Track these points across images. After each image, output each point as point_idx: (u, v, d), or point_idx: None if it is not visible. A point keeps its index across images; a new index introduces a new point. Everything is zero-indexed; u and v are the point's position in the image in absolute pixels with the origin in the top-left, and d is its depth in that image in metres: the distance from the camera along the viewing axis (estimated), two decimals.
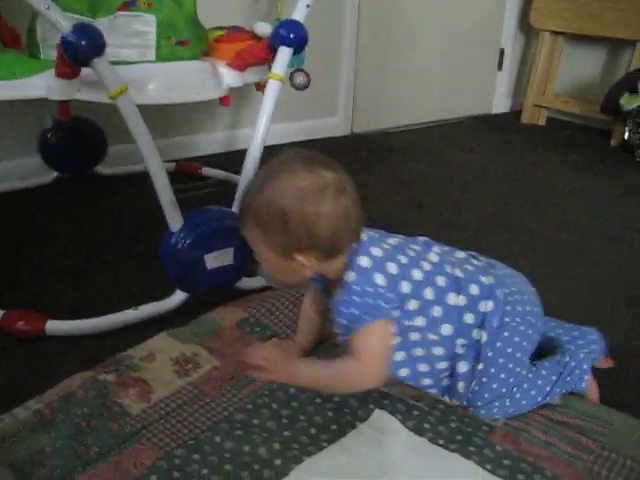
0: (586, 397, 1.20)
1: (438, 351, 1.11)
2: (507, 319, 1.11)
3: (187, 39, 1.55)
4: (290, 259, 1.02)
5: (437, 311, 1.08)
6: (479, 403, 1.13)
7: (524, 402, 1.14)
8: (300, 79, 1.60)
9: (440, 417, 1.14)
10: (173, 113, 2.35)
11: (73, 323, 1.33)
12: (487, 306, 1.10)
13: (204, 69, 1.52)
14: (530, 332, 1.14)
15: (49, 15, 1.18)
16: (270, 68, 1.59)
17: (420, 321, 1.08)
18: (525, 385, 1.13)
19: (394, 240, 1.12)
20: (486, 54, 3.53)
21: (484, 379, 1.11)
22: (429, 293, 1.07)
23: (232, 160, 2.41)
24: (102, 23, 1.47)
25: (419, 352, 1.11)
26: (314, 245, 1.01)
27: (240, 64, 1.58)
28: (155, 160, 1.27)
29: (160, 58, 1.50)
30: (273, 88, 1.41)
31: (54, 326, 1.31)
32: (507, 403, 1.12)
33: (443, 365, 1.12)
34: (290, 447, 1.05)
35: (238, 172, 2.18)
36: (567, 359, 1.19)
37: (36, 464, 1.00)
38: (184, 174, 2.25)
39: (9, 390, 1.17)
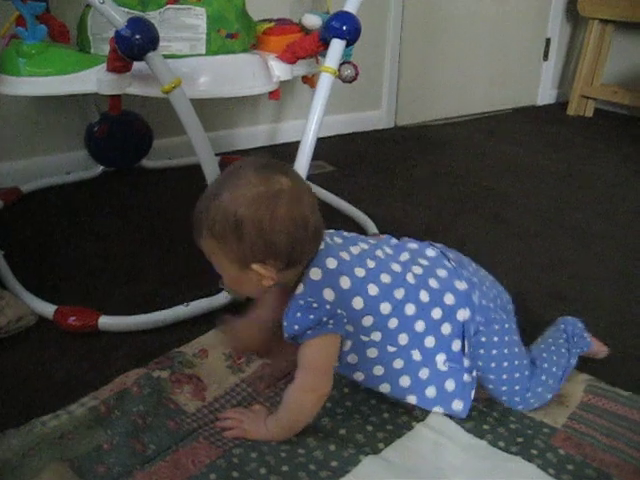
0: (595, 355, 1.24)
1: (400, 363, 1.07)
2: (481, 321, 1.08)
3: (237, 32, 1.53)
4: (248, 270, 0.98)
5: (393, 323, 1.04)
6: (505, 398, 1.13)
7: (548, 395, 1.14)
8: (348, 72, 1.58)
9: (499, 418, 1.11)
10: (215, 106, 2.34)
11: (125, 319, 1.33)
12: (465, 315, 1.07)
13: (255, 62, 1.50)
14: (506, 326, 1.11)
15: (104, 10, 1.18)
16: (318, 61, 1.57)
17: (377, 336, 1.04)
18: (543, 377, 1.13)
19: (357, 248, 1.06)
20: (532, 44, 3.46)
21: (490, 386, 1.11)
22: (385, 308, 1.03)
23: (275, 154, 2.41)
24: (152, 16, 1.47)
25: (398, 364, 1.07)
26: (271, 254, 0.96)
27: (290, 57, 1.56)
28: (208, 154, 1.27)
29: (210, 51, 1.49)
30: (326, 81, 1.39)
31: (106, 322, 1.31)
32: (528, 394, 1.12)
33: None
34: (346, 447, 1.04)
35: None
36: (563, 328, 1.21)
37: (94, 461, 0.99)
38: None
39: (63, 386, 1.17)
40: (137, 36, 1.18)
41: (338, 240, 1.05)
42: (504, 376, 1.10)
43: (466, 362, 1.08)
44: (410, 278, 1.05)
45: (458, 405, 1.09)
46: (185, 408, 1.11)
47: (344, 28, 1.38)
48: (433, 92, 3.10)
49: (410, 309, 1.04)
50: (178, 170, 2.23)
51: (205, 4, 1.50)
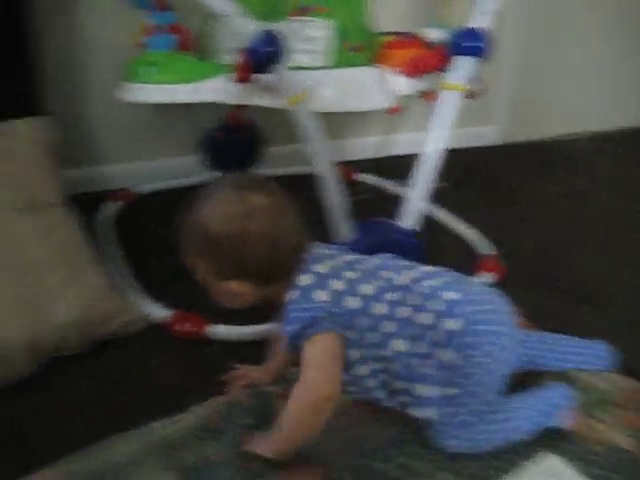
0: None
1: (394, 367, 1.03)
2: (469, 339, 1.02)
3: (360, 45, 1.52)
4: (227, 284, 1.01)
5: (389, 326, 1.02)
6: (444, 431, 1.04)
7: (495, 434, 1.05)
8: (477, 88, 1.53)
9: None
10: (324, 115, 2.33)
11: (235, 328, 1.33)
12: (455, 325, 1.01)
13: (377, 76, 1.48)
14: (497, 350, 1.04)
15: (235, 22, 1.18)
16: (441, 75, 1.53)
17: (373, 337, 1.02)
18: (499, 416, 1.05)
19: (347, 257, 1.07)
20: None
21: (456, 407, 1.03)
22: (380, 308, 1.02)
23: (385, 166, 2.37)
24: (277, 28, 1.47)
25: (377, 366, 1.04)
26: (245, 271, 0.99)
27: (412, 71, 1.53)
28: (327, 167, 1.26)
29: (333, 64, 1.48)
30: (451, 99, 1.35)
31: (215, 330, 1.32)
32: (474, 435, 1.04)
33: (399, 385, 1.04)
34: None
35: (393, 179, 2.18)
36: (547, 394, 1.11)
37: (202, 472, 1.00)
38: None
39: (173, 392, 1.17)
40: (266, 49, 1.18)
41: (323, 252, 1.05)
42: (471, 401, 1.04)
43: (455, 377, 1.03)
44: (399, 280, 1.05)
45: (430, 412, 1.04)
46: None
47: (475, 46, 1.34)
48: (548, 107, 2.99)
49: (402, 312, 1.03)
50: (286, 179, 2.23)
51: (330, 17, 1.49)
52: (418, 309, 1.02)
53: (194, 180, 2.14)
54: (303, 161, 2.27)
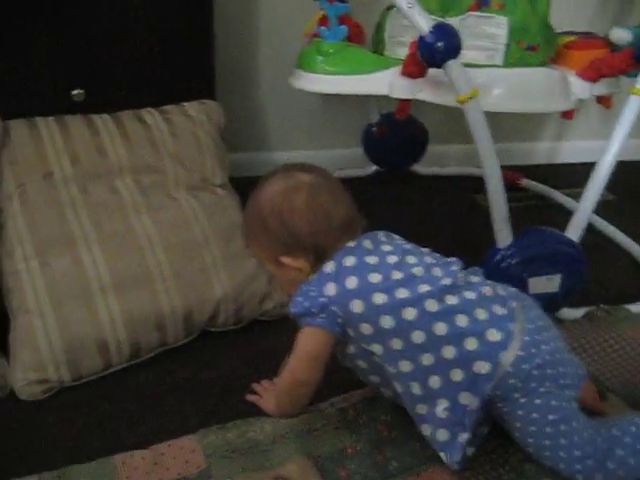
0: None
1: (397, 386, 0.98)
2: (517, 383, 0.93)
3: (537, 44, 1.45)
4: (282, 264, 1.01)
5: (397, 344, 0.95)
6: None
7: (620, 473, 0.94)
8: None
9: None
10: (492, 116, 2.26)
11: None
12: (483, 368, 0.93)
13: (554, 78, 1.40)
14: (567, 393, 0.95)
15: (410, 14, 1.17)
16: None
17: (378, 349, 0.97)
18: (620, 451, 0.94)
19: (395, 258, 0.99)
20: None
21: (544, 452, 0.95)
22: (386, 322, 0.95)
23: (554, 174, 2.27)
24: (452, 23, 1.43)
25: (398, 387, 0.99)
26: (296, 245, 1.00)
27: (592, 74, 1.44)
28: (494, 170, 1.22)
29: (507, 63, 1.42)
30: (636, 105, 1.25)
31: None
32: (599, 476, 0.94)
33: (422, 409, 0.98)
34: None
35: (559, 187, 2.08)
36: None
37: (337, 463, 1.00)
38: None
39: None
40: (440, 43, 1.15)
41: (384, 247, 1.01)
42: (546, 442, 0.95)
43: (467, 420, 0.95)
44: (431, 305, 0.95)
45: (444, 457, 0.97)
46: None
47: None
48: None
49: (418, 337, 0.94)
50: (447, 179, 2.19)
51: (508, 13, 1.43)
52: (442, 340, 0.94)
53: (355, 173, 2.16)
54: (466, 161, 2.25)
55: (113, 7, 1.41)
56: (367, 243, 1.01)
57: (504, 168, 2.14)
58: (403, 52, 1.47)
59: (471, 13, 1.45)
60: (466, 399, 0.95)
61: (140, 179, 1.32)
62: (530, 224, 1.35)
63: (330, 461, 1.00)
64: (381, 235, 1.05)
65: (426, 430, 0.98)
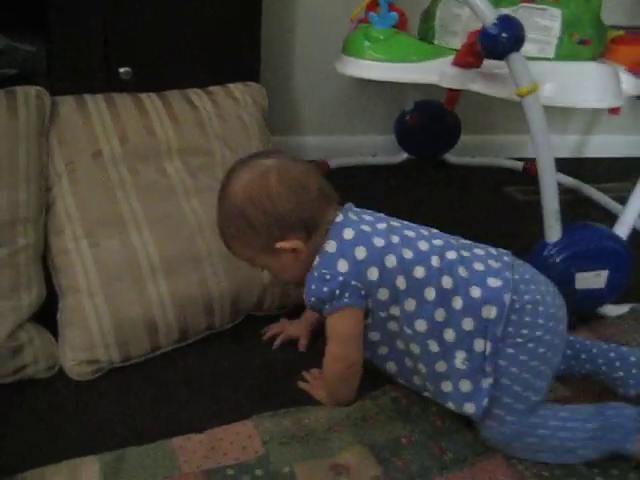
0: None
1: (415, 348, 1.00)
2: (511, 329, 0.96)
3: (589, 38, 1.44)
4: (277, 252, 1.01)
5: (411, 304, 0.98)
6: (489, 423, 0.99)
7: (554, 443, 0.98)
8: None
9: None
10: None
11: None
12: (490, 312, 0.96)
13: (606, 73, 1.39)
14: (542, 351, 0.97)
15: (474, 4, 1.16)
16: None
17: (395, 310, 0.99)
18: (553, 422, 0.97)
19: (384, 225, 1.02)
20: None
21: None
22: (401, 283, 0.97)
23: (583, 167, 2.26)
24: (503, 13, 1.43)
25: (400, 345, 1.02)
26: (285, 226, 1.00)
27: None
28: (549, 165, 1.20)
29: (559, 56, 1.42)
30: None
31: None
32: (530, 440, 0.98)
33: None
34: None
35: (589, 181, 2.07)
36: (609, 412, 0.98)
37: (392, 453, 1.00)
38: (532, 176, 2.14)
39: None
40: (504, 34, 1.14)
41: (366, 217, 1.03)
42: (507, 399, 0.98)
43: (488, 367, 0.97)
44: (435, 261, 0.98)
45: (470, 408, 0.99)
46: None
47: None
48: None
49: (429, 294, 0.97)
50: (478, 169, 2.19)
51: (562, 6, 1.42)
52: (450, 293, 0.97)
53: (386, 160, 2.15)
54: (497, 153, 2.24)
55: None
56: (351, 214, 1.03)
57: (532, 160, 2.16)
58: (454, 41, 1.47)
59: (524, 4, 1.44)
60: (481, 346, 0.97)
61: (188, 161, 1.31)
62: (564, 218, 1.34)
63: (386, 450, 1.00)
64: (354, 207, 1.06)
65: (447, 387, 1.00)
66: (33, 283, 1.16)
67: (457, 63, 1.34)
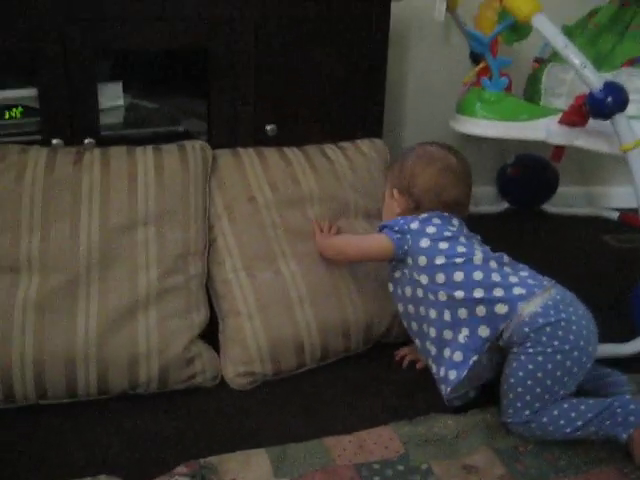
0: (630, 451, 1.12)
1: (432, 314, 1.25)
2: (544, 338, 1.15)
3: None
4: (391, 196, 1.39)
5: (440, 278, 1.24)
6: (509, 411, 1.18)
7: (551, 428, 1.16)
8: None
9: None
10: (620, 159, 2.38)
11: None
12: (502, 310, 1.18)
13: None
14: (569, 364, 1.15)
15: (583, 73, 1.34)
16: None
17: (424, 279, 1.26)
18: (555, 412, 1.15)
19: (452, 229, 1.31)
20: None
21: (505, 386, 1.19)
22: (439, 260, 1.25)
23: None
24: (605, 77, 1.59)
25: (432, 314, 1.26)
26: (409, 190, 1.36)
27: None
28: None
29: None
30: None
31: None
32: (533, 425, 1.16)
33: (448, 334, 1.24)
34: None
35: None
36: (612, 401, 1.15)
37: (513, 458, 1.15)
38: (627, 225, 2.25)
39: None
40: (610, 98, 1.31)
41: (454, 227, 1.32)
42: (519, 389, 1.17)
43: (482, 347, 1.20)
44: (477, 259, 1.24)
45: (452, 375, 1.21)
46: None
47: None
48: None
49: (458, 276, 1.22)
50: (575, 219, 2.32)
51: None
52: (475, 284, 1.22)
53: (488, 209, 2.32)
54: (593, 203, 2.38)
55: (301, 60, 1.64)
56: (455, 221, 1.34)
57: (628, 210, 2.27)
58: (558, 102, 1.64)
59: (624, 69, 1.60)
60: (483, 331, 1.20)
61: (327, 207, 1.53)
62: None
63: (507, 455, 1.15)
64: (456, 221, 1.35)
65: (447, 353, 1.23)
66: (201, 305, 1.39)
67: (564, 122, 1.50)
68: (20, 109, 1.53)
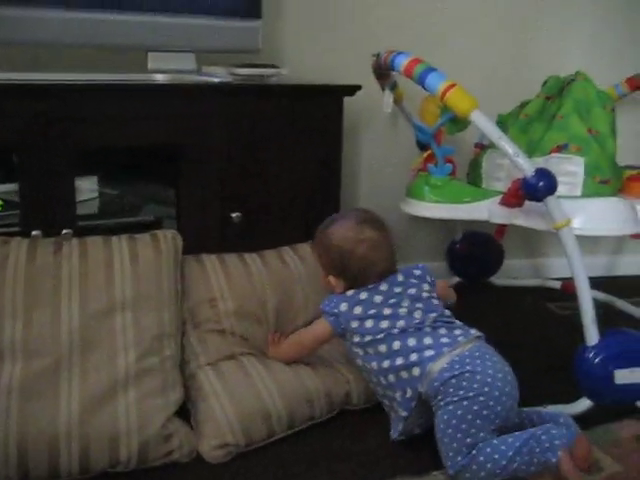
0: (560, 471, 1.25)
1: (374, 379, 1.48)
2: (451, 389, 1.32)
3: (609, 178, 1.77)
4: (328, 279, 1.53)
5: (370, 351, 1.45)
6: (448, 463, 1.31)
7: (489, 465, 1.26)
8: None
9: None
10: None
11: None
12: (416, 372, 1.36)
13: (624, 206, 1.71)
14: (476, 408, 1.29)
15: (516, 160, 1.50)
16: None
17: (360, 350, 1.46)
18: (488, 449, 1.27)
19: (393, 300, 1.47)
20: None
21: (437, 440, 1.33)
22: (368, 337, 1.44)
23: (613, 285, 2.53)
24: (537, 162, 1.77)
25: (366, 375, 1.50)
26: (342, 273, 1.51)
27: None
28: (584, 280, 1.50)
29: (584, 194, 1.74)
30: None
31: None
32: (474, 467, 1.27)
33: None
34: None
35: (621, 296, 2.34)
36: (535, 430, 1.29)
37: None
38: (569, 293, 2.41)
39: None
40: (541, 183, 1.48)
41: (394, 289, 1.48)
42: (445, 440, 1.32)
43: (409, 405, 1.39)
44: (396, 330, 1.41)
45: (393, 431, 1.44)
46: None
47: None
48: None
49: (382, 348, 1.42)
50: (521, 289, 2.48)
51: (584, 154, 1.76)
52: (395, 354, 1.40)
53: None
54: (536, 274, 2.55)
55: (265, 153, 1.80)
56: (383, 286, 1.48)
57: (568, 279, 2.42)
58: (499, 185, 1.82)
59: (553, 155, 1.78)
60: (408, 392, 1.38)
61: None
62: (600, 327, 1.59)
63: None
64: (397, 281, 1.50)
65: (397, 411, 1.42)
66: (176, 384, 1.46)
67: (504, 203, 1.65)
68: (1, 203, 1.62)
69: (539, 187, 1.48)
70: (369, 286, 1.48)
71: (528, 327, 2.18)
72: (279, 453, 1.44)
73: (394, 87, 2.00)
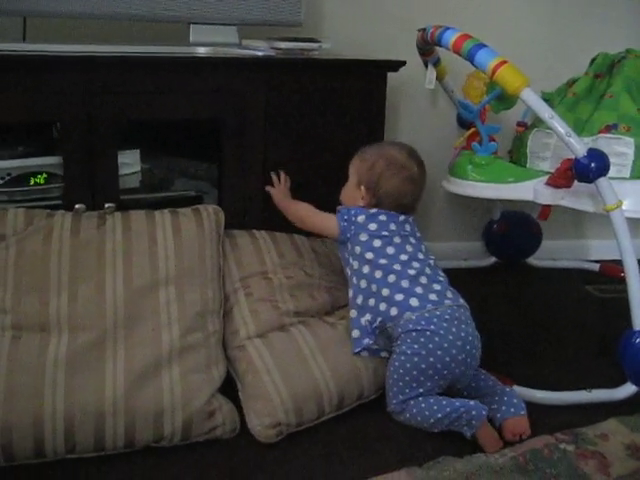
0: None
1: (350, 293, 1.57)
2: (409, 339, 1.42)
3: None
4: (358, 188, 1.58)
5: (366, 269, 1.52)
6: (389, 398, 1.46)
7: (419, 418, 1.40)
8: None
9: None
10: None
11: (530, 391, 1.56)
12: (393, 312, 1.45)
13: None
14: (431, 360, 1.40)
15: (568, 140, 1.47)
16: None
17: (355, 265, 1.54)
18: (422, 405, 1.40)
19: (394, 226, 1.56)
20: None
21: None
22: (369, 254, 1.52)
23: None
24: (585, 142, 1.72)
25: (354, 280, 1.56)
26: (373, 190, 1.56)
27: None
28: (633, 263, 1.47)
29: (633, 176, 1.70)
30: None
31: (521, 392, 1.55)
32: (407, 415, 1.42)
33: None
34: None
35: None
36: (460, 405, 1.38)
37: None
38: (607, 275, 2.38)
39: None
40: (593, 164, 1.44)
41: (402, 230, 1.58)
42: (395, 376, 1.44)
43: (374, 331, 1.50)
44: (397, 265, 1.49)
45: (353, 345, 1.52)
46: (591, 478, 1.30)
47: None
48: None
49: (378, 274, 1.50)
50: (559, 271, 2.45)
51: (634, 135, 1.71)
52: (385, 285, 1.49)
53: (476, 263, 2.44)
54: (575, 255, 2.51)
55: (307, 128, 1.78)
56: (401, 217, 1.58)
57: (610, 262, 2.40)
58: (543, 165, 1.78)
59: (601, 135, 1.74)
60: (380, 322, 1.47)
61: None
62: None
63: None
64: (410, 222, 1.60)
65: (352, 331, 1.52)
66: (220, 360, 1.46)
67: (551, 183, 1.62)
68: (44, 175, 1.62)
69: (591, 168, 1.45)
70: (390, 212, 1.56)
71: (566, 309, 2.15)
72: (322, 433, 1.43)
73: (437, 63, 1.96)
